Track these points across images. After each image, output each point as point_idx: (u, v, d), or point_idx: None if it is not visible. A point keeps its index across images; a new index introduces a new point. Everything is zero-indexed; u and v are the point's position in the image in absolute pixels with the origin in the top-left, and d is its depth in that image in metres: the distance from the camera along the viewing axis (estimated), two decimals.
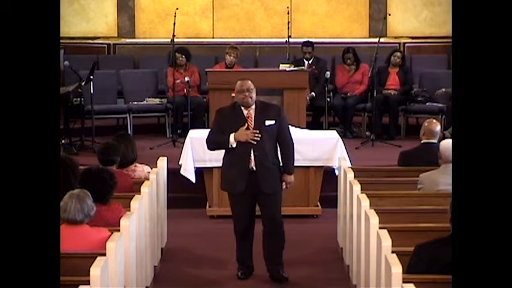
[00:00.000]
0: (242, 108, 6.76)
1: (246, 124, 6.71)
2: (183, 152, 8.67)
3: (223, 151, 6.86)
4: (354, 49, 11.62)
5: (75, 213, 5.14)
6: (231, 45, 11.08)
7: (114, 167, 6.80)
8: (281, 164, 6.85)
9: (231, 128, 6.71)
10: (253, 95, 6.72)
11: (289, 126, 7.05)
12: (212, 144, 6.90)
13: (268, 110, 6.78)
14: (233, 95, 9.71)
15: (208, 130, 7.05)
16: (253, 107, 6.76)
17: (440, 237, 4.72)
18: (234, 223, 6.94)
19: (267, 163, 6.73)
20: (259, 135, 6.66)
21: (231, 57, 10.86)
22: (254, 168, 6.70)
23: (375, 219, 5.58)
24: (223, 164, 6.94)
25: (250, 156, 6.69)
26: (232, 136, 6.68)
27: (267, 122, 6.72)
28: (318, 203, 8.70)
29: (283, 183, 6.86)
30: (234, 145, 6.70)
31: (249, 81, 6.75)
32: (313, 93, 11.19)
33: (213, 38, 13.67)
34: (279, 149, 6.85)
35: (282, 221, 6.90)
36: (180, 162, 8.63)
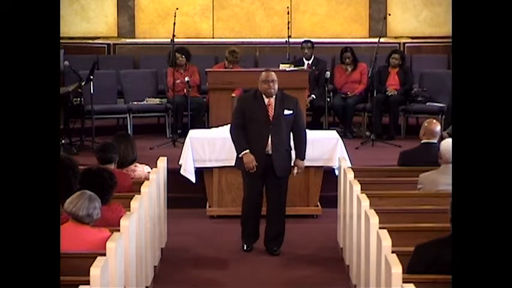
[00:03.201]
0: (264, 97, 7.37)
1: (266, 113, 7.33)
2: (183, 152, 8.67)
3: (236, 137, 7.47)
4: (351, 48, 11.62)
5: (79, 208, 5.15)
6: (230, 50, 11.06)
7: (112, 166, 6.80)
8: (292, 150, 7.51)
9: (252, 114, 7.36)
10: (276, 86, 7.37)
11: (303, 116, 7.84)
12: (233, 138, 7.49)
13: (287, 101, 7.43)
14: (233, 95, 9.80)
15: (232, 115, 7.70)
16: (274, 96, 7.38)
17: (440, 237, 4.72)
18: (245, 199, 7.57)
19: (281, 148, 7.40)
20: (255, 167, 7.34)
21: (230, 65, 10.88)
22: (270, 152, 7.35)
23: (374, 219, 5.58)
24: None
25: (268, 140, 7.34)
26: (244, 153, 7.35)
27: (286, 111, 7.38)
28: (318, 203, 8.70)
29: (295, 167, 7.51)
30: (240, 155, 7.40)
31: (273, 73, 7.40)
32: (313, 96, 11.18)
33: (213, 38, 13.67)
34: (292, 136, 7.50)
35: (285, 204, 7.56)
36: (180, 162, 8.63)
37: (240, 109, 7.45)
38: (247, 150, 7.36)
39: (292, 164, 7.52)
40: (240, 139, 7.42)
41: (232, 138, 7.49)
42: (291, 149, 7.50)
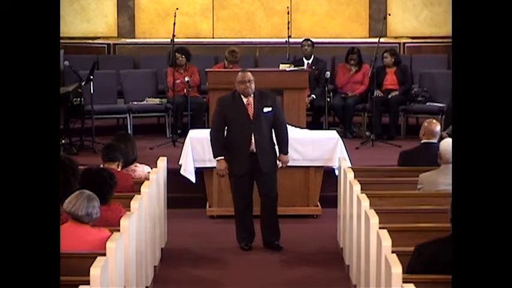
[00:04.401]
0: (242, 96, 7.49)
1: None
2: (183, 152, 8.67)
3: (227, 133, 7.59)
4: (358, 50, 11.60)
5: (78, 208, 5.15)
6: (229, 50, 11.06)
7: (114, 165, 6.80)
8: (276, 146, 7.64)
9: (233, 115, 7.48)
10: (253, 85, 7.47)
11: (282, 111, 8.00)
12: (211, 141, 7.62)
13: (265, 98, 7.55)
14: None
15: (212, 117, 7.85)
16: (252, 95, 7.50)
17: (440, 237, 4.72)
18: (236, 200, 7.66)
19: (265, 145, 7.54)
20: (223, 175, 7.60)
21: (230, 65, 10.89)
22: (254, 150, 7.47)
23: (374, 219, 5.58)
24: (225, 140, 7.57)
25: (251, 139, 7.47)
26: (218, 159, 7.53)
27: (265, 109, 7.51)
28: (318, 203, 8.69)
29: (279, 162, 7.63)
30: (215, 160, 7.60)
31: (249, 73, 7.53)
32: (313, 96, 11.18)
33: (213, 38, 13.67)
34: (273, 132, 7.61)
35: (277, 196, 7.65)
36: (180, 162, 8.63)
37: (220, 112, 7.54)
38: (222, 157, 7.52)
39: (277, 160, 7.64)
40: (217, 143, 7.55)
41: (210, 141, 7.61)
42: (274, 145, 7.62)
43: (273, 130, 7.61)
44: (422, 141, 7.52)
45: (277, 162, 7.63)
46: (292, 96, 9.63)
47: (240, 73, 7.60)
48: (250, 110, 7.48)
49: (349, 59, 11.53)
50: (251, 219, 7.69)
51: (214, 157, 7.59)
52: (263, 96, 7.54)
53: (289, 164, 7.85)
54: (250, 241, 7.69)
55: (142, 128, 11.49)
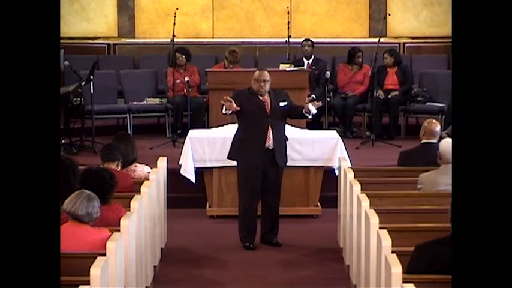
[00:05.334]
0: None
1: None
2: (183, 152, 8.67)
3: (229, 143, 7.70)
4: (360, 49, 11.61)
5: (78, 207, 5.15)
6: (229, 50, 11.07)
7: (113, 165, 6.80)
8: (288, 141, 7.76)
9: (249, 107, 7.46)
10: (268, 86, 7.53)
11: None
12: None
13: (279, 94, 7.64)
14: None
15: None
16: (267, 94, 7.55)
17: (440, 237, 4.72)
18: (243, 198, 7.63)
19: (281, 140, 7.61)
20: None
21: (230, 65, 10.89)
22: (271, 146, 7.51)
23: (374, 219, 5.58)
24: (238, 134, 7.67)
25: (268, 134, 7.51)
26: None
27: (281, 103, 7.58)
28: (318, 203, 8.69)
29: (310, 104, 7.57)
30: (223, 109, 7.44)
31: (267, 73, 7.57)
32: (313, 96, 11.16)
33: (213, 38, 13.68)
34: (295, 112, 7.68)
35: (280, 189, 7.72)
36: (180, 162, 8.63)
37: (236, 99, 7.43)
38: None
39: (304, 110, 7.56)
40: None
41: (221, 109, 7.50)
42: (287, 139, 7.71)
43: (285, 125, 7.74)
44: (422, 141, 7.52)
45: (309, 105, 7.54)
46: (292, 96, 9.56)
47: (257, 71, 7.65)
48: (267, 106, 7.53)
49: (356, 57, 11.49)
50: (256, 219, 7.68)
51: (221, 109, 7.46)
52: (277, 93, 7.63)
53: (289, 164, 7.87)
54: (253, 239, 7.68)
55: (142, 128, 11.49)
